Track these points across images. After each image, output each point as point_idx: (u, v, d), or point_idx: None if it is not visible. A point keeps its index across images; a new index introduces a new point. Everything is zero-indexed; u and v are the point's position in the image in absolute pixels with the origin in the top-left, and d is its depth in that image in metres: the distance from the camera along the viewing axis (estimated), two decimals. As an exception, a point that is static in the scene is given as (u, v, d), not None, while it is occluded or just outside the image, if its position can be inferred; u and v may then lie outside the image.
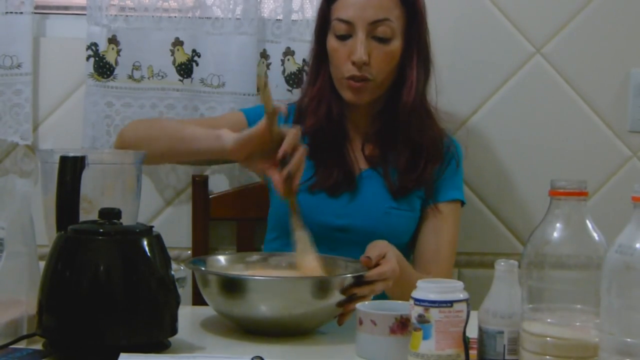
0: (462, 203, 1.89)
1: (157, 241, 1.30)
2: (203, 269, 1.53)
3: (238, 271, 1.57)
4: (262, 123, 1.57)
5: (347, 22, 1.76)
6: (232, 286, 1.43)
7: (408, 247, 1.85)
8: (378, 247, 1.57)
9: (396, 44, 1.78)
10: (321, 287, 1.43)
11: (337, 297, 1.43)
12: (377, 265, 1.50)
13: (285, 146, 1.54)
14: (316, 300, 1.42)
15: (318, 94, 1.84)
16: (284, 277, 1.52)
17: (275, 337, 1.42)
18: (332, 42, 1.80)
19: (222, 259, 1.62)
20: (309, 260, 1.57)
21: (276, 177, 1.56)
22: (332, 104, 1.83)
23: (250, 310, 1.42)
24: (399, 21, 1.78)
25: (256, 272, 1.58)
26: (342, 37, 1.78)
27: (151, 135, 1.77)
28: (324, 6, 1.83)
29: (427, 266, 1.80)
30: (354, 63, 1.76)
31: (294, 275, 1.55)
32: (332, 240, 1.75)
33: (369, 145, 1.85)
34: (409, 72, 1.81)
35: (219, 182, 2.15)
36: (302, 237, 1.59)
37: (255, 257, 1.66)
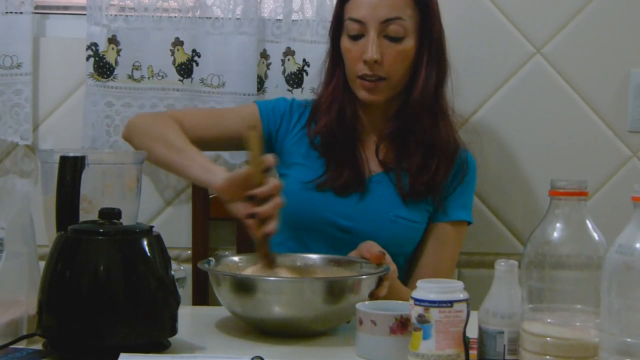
0: (469, 223, 1.88)
1: (157, 241, 1.30)
2: (218, 269, 1.53)
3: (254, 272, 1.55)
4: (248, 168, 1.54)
5: (359, 22, 1.76)
6: (248, 287, 1.42)
7: (411, 257, 1.84)
8: (373, 245, 1.59)
9: (409, 43, 1.78)
10: (336, 287, 1.42)
11: (351, 298, 1.42)
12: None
13: (258, 190, 1.50)
14: (331, 300, 1.41)
15: (332, 95, 1.83)
16: (297, 278, 1.51)
17: (278, 337, 1.42)
18: (345, 42, 1.80)
19: (236, 259, 1.61)
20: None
21: (250, 222, 1.52)
22: (345, 104, 1.82)
23: (265, 310, 1.41)
24: (412, 20, 1.77)
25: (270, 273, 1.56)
26: (355, 37, 1.78)
27: (154, 141, 1.73)
28: (337, 6, 1.83)
29: None
30: (365, 62, 1.75)
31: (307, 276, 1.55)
32: (336, 240, 1.76)
33: (383, 148, 1.83)
34: (420, 71, 1.80)
35: (219, 182, 2.14)
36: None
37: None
